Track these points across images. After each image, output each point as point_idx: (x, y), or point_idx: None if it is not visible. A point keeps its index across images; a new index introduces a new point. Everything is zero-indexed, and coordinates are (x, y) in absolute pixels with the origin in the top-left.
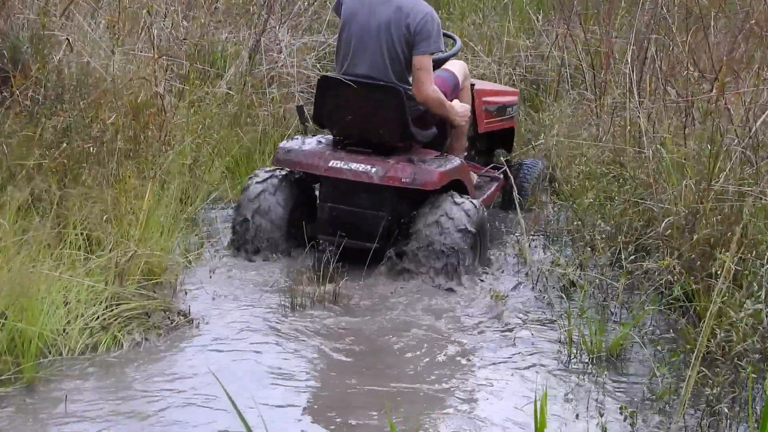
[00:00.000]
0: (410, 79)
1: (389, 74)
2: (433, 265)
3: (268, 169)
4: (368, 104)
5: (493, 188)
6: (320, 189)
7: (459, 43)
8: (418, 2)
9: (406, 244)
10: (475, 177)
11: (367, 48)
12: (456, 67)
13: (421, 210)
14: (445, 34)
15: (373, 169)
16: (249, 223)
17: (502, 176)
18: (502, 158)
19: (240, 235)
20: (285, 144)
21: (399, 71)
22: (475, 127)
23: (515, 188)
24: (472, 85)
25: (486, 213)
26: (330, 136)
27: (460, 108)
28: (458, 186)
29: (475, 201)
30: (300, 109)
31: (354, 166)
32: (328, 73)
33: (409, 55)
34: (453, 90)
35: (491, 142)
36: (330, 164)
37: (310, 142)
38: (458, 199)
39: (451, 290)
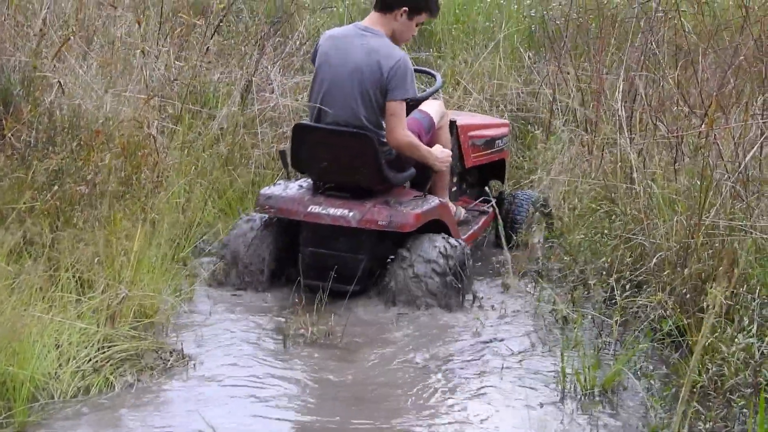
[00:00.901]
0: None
1: (361, 118)
2: (411, 305)
3: (253, 213)
4: (342, 151)
5: (480, 223)
6: (301, 234)
7: (439, 80)
8: (392, 47)
9: (385, 284)
10: (462, 211)
11: (340, 92)
12: (432, 107)
13: (398, 251)
14: (425, 71)
15: (351, 213)
16: (234, 260)
17: (490, 209)
18: (488, 189)
19: (225, 272)
20: (266, 190)
21: (372, 115)
22: (462, 162)
23: (500, 223)
24: (454, 122)
25: (468, 251)
26: (310, 180)
27: (440, 153)
28: (440, 225)
29: (453, 241)
30: (282, 154)
31: (332, 210)
32: (302, 121)
33: (382, 99)
34: (428, 132)
35: (483, 174)
36: (309, 210)
37: (292, 187)
38: (436, 240)
39: (441, 321)
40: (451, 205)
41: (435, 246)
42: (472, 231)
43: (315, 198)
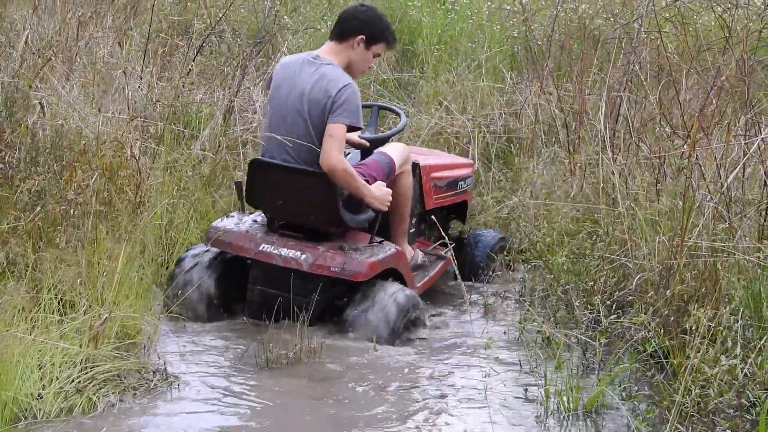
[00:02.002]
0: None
1: (314, 140)
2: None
3: (203, 245)
4: (296, 190)
5: (437, 269)
6: (250, 271)
7: (404, 119)
8: (342, 74)
9: (341, 326)
10: (420, 255)
11: (291, 120)
12: (395, 150)
13: (352, 297)
14: (390, 109)
15: (303, 256)
16: (182, 294)
17: (448, 255)
18: (447, 233)
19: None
20: (218, 223)
21: (314, 138)
22: (422, 203)
23: (456, 266)
24: (417, 164)
25: (420, 302)
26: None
27: (378, 192)
28: (394, 273)
29: (407, 291)
30: (238, 186)
31: (284, 251)
32: (259, 156)
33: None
34: (387, 176)
35: (443, 215)
36: (260, 248)
37: (246, 221)
38: (390, 289)
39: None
40: (408, 249)
41: (390, 296)
42: (427, 278)
43: (267, 236)
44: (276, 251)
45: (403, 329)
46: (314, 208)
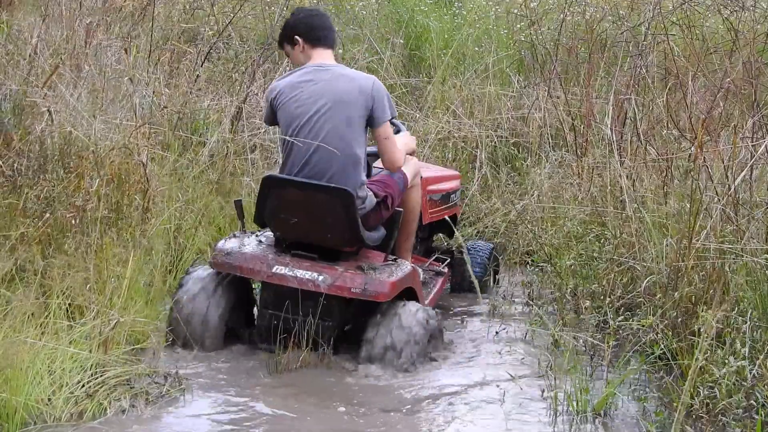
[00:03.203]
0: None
1: (352, 146)
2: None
3: (206, 267)
4: (316, 207)
5: (438, 285)
6: (261, 294)
7: (404, 131)
8: (359, 72)
9: (358, 353)
10: (420, 271)
11: (324, 126)
12: (409, 166)
13: (372, 320)
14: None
15: (320, 277)
16: (183, 323)
17: (446, 270)
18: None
19: (176, 334)
20: (223, 245)
21: (357, 142)
22: (420, 218)
23: (449, 281)
24: None
25: (440, 319)
26: (269, 233)
27: (408, 142)
28: (408, 291)
29: (429, 310)
30: (238, 205)
31: (300, 273)
32: (272, 173)
33: (365, 119)
34: (401, 191)
35: (432, 229)
36: (274, 270)
37: (250, 243)
38: (412, 308)
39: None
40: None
41: (412, 314)
42: (433, 294)
43: (280, 257)
44: (291, 273)
45: (428, 348)
46: (333, 226)
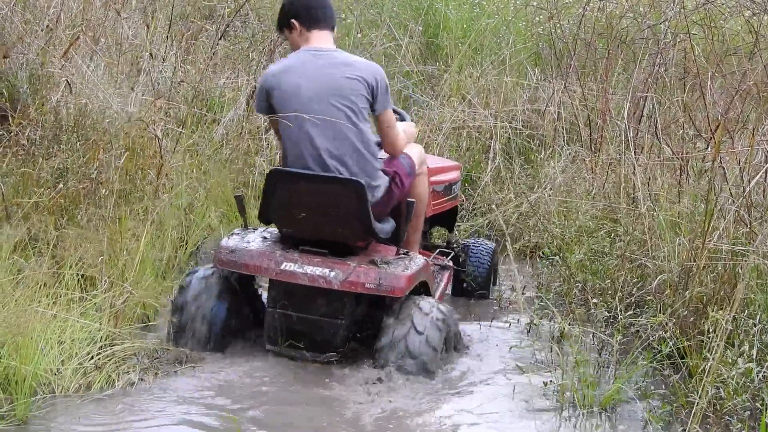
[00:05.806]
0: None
1: (361, 133)
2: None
3: (208, 267)
4: (326, 199)
5: (445, 280)
6: (269, 293)
7: (407, 119)
8: (362, 58)
9: (372, 359)
10: (431, 264)
11: (325, 114)
12: (413, 151)
13: (386, 320)
14: (395, 111)
15: (332, 273)
16: (186, 326)
17: (451, 263)
18: (449, 241)
19: (177, 337)
20: (227, 242)
21: (360, 129)
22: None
23: (450, 279)
24: None
25: (455, 315)
26: (274, 230)
27: (408, 130)
28: (421, 285)
29: (443, 307)
30: (239, 200)
31: (310, 269)
32: (278, 167)
33: (368, 105)
34: (409, 175)
35: (432, 222)
36: (283, 267)
37: (254, 239)
38: (426, 308)
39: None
40: None
41: (427, 314)
42: (440, 289)
43: (288, 254)
44: (300, 270)
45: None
46: (344, 219)
